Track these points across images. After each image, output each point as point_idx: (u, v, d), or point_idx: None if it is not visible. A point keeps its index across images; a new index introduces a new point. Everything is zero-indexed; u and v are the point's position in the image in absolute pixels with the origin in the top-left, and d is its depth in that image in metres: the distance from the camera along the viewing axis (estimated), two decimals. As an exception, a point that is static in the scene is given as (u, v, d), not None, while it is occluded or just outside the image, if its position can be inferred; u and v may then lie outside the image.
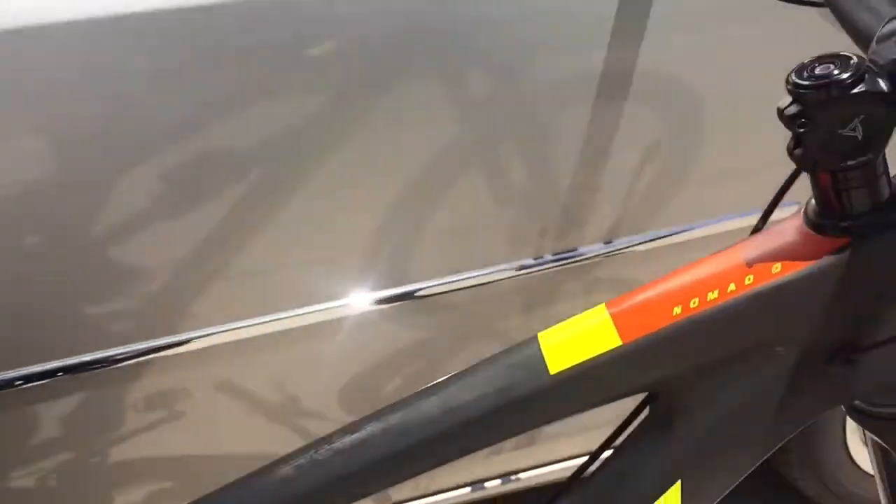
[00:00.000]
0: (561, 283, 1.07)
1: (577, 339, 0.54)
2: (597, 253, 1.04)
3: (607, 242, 1.02)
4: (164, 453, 1.08)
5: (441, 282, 1.04)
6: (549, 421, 0.54)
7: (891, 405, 0.55)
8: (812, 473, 1.36)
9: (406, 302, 1.05)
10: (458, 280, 1.04)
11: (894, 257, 0.51)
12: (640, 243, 1.03)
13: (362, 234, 1.00)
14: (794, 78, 0.48)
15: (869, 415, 0.57)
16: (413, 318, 1.07)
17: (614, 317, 0.54)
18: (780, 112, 0.49)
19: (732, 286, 0.52)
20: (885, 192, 0.51)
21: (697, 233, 1.04)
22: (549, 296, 1.07)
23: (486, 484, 1.23)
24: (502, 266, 1.04)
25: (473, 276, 1.04)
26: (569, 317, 0.56)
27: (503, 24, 0.92)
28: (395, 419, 0.55)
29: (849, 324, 0.52)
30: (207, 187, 0.92)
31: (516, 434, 0.54)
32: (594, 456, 0.60)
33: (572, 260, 1.04)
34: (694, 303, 0.52)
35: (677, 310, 0.52)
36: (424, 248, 1.03)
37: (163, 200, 0.91)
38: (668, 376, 0.54)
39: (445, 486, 1.22)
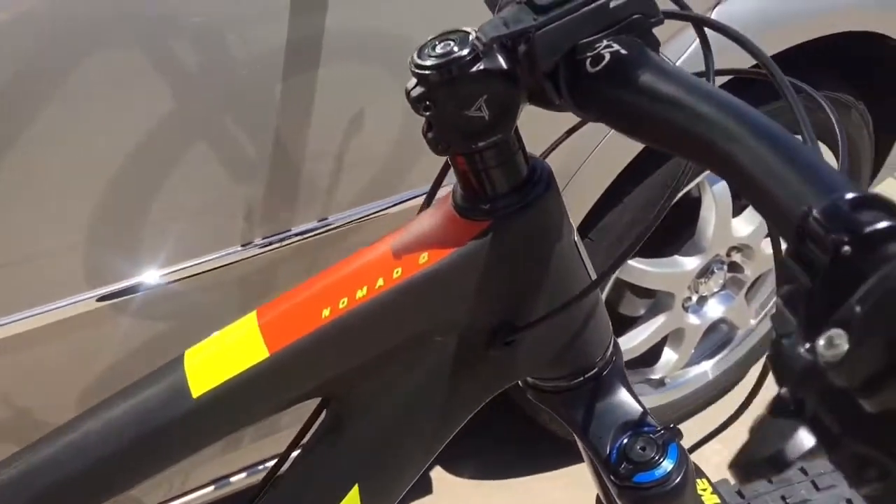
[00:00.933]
0: (309, 259, 1.02)
1: (222, 355, 0.49)
2: (331, 227, 0.98)
3: (322, 220, 0.98)
4: None
5: (169, 270, 0.97)
6: (196, 450, 0.50)
7: (555, 379, 0.55)
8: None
9: (132, 296, 0.97)
10: (189, 266, 0.97)
11: (534, 237, 0.49)
12: (366, 216, 0.99)
13: (77, 228, 0.91)
14: (415, 58, 0.45)
15: (542, 390, 0.56)
16: (147, 311, 1.00)
17: (262, 327, 0.50)
18: (407, 94, 0.46)
19: (381, 281, 0.49)
20: (523, 171, 0.49)
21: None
22: (295, 275, 1.02)
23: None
24: (228, 250, 0.97)
25: (208, 261, 0.98)
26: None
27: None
28: (27, 462, 0.48)
29: (502, 306, 0.51)
30: None
31: (161, 470, 0.49)
32: (282, 459, 0.57)
33: (306, 237, 0.99)
34: (343, 303, 0.49)
35: (326, 312, 0.49)
36: (147, 237, 0.95)
37: None
38: (326, 382, 0.51)
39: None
